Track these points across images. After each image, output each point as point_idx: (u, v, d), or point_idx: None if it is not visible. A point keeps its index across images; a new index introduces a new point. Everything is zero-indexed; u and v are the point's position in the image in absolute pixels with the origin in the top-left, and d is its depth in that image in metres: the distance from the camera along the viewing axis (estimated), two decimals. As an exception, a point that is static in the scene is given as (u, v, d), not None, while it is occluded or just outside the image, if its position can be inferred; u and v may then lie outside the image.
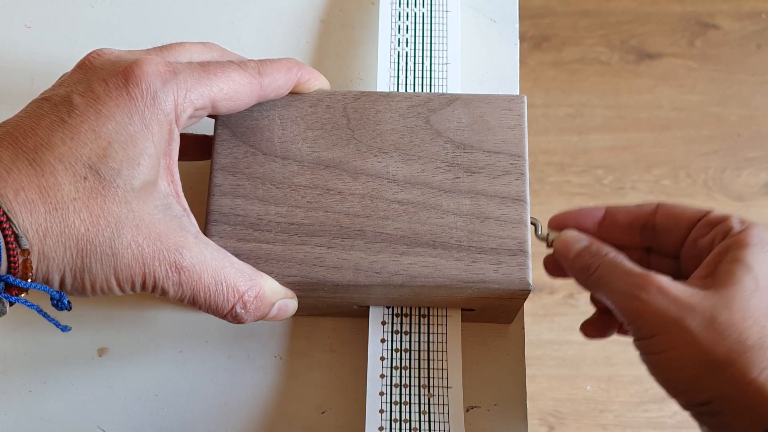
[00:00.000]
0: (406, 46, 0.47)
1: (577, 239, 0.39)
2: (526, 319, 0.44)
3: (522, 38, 1.23)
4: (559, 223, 0.41)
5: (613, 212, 0.41)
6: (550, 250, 0.41)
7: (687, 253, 0.39)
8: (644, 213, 0.40)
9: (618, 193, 1.24)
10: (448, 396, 0.40)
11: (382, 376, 0.40)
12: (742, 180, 1.25)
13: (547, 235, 0.41)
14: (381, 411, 0.39)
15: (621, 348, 1.13)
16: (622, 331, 0.42)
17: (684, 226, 0.39)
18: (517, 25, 0.50)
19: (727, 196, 1.24)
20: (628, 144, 1.27)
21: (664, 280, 0.35)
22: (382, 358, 0.41)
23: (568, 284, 1.17)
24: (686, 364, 0.34)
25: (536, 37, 1.33)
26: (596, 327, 0.42)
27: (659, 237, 0.40)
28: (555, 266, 0.41)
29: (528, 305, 0.45)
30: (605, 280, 0.37)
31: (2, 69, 0.49)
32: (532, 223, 0.41)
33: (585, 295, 1.27)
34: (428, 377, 0.40)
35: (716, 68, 1.31)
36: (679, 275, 0.39)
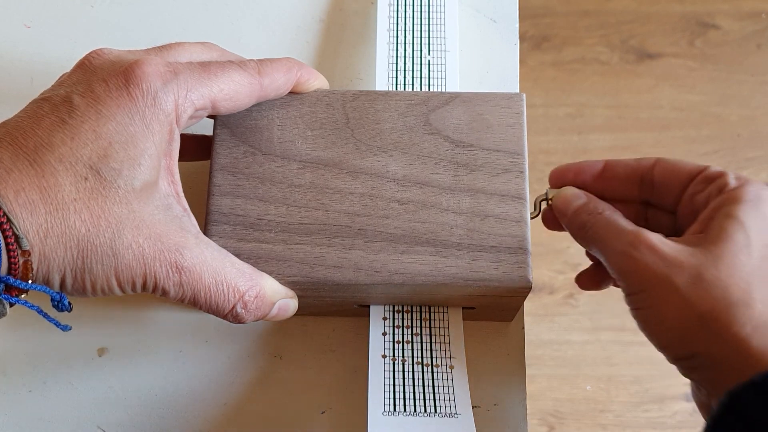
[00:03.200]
0: (405, 45, 0.47)
1: (575, 196, 0.40)
2: (526, 319, 0.44)
3: (522, 38, 1.23)
4: (558, 178, 0.42)
5: (612, 165, 0.41)
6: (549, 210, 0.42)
7: (684, 208, 0.39)
8: (643, 167, 0.40)
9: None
10: (454, 399, 0.40)
11: (383, 389, 0.40)
12: (742, 180, 1.24)
13: (546, 192, 0.41)
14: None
15: (621, 348, 1.13)
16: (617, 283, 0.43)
17: (681, 182, 0.39)
18: (517, 25, 0.50)
19: (727, 196, 1.24)
20: (628, 144, 1.27)
21: (655, 238, 0.36)
22: (384, 356, 0.41)
23: (568, 284, 1.17)
24: (672, 320, 0.35)
25: (536, 37, 1.33)
26: (591, 279, 0.43)
27: (657, 191, 0.40)
28: (553, 221, 0.42)
29: (528, 305, 0.45)
30: (599, 238, 0.38)
31: (2, 69, 0.49)
32: (539, 202, 0.41)
33: (585, 295, 1.27)
34: (432, 381, 0.40)
35: (716, 68, 1.31)
36: (677, 230, 0.39)
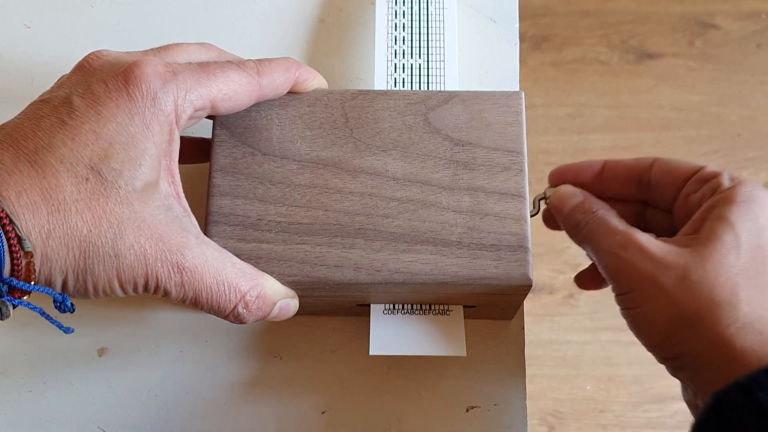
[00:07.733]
0: (403, 44, 0.47)
1: (572, 195, 0.40)
2: (526, 319, 0.44)
3: (522, 38, 1.23)
4: (558, 178, 0.42)
5: (611, 165, 0.41)
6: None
7: (679, 208, 0.39)
8: (641, 167, 0.41)
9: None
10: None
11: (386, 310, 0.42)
12: (742, 180, 1.24)
13: (545, 191, 0.42)
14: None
15: (621, 348, 1.13)
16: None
17: (677, 182, 0.39)
18: (517, 25, 0.50)
19: (727, 195, 1.24)
20: (628, 144, 1.27)
21: (644, 238, 0.36)
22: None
23: (568, 284, 1.17)
24: (659, 320, 0.35)
25: (536, 37, 1.33)
26: (590, 279, 0.43)
27: (654, 191, 0.40)
28: (552, 220, 0.42)
29: (528, 305, 0.45)
30: (591, 237, 0.38)
31: (2, 69, 0.49)
32: (538, 200, 0.42)
33: (585, 295, 1.26)
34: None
35: (716, 68, 1.31)
36: (674, 230, 0.39)
